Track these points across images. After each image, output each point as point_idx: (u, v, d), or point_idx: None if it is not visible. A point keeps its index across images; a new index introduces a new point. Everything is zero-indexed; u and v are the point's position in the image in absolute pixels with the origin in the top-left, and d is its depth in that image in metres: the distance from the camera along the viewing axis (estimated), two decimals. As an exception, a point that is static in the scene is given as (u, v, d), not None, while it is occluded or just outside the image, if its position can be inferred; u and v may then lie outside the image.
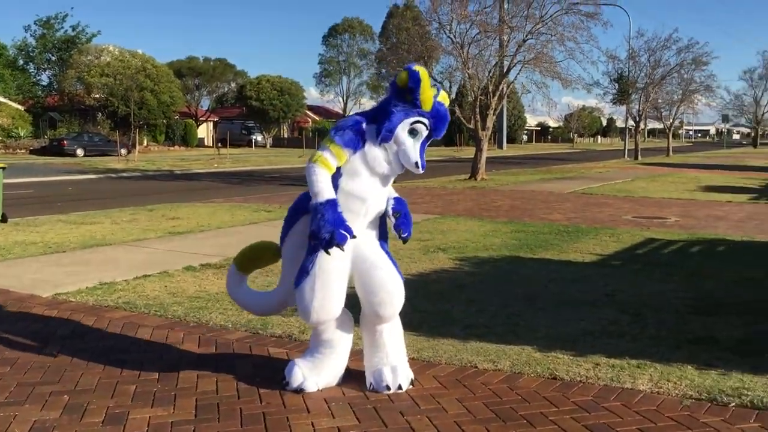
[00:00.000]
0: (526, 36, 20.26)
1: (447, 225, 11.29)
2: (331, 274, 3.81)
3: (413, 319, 5.49)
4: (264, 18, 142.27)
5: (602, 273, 7.46)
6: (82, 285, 6.63)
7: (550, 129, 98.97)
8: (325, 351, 4.02)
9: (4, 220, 11.26)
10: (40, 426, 3.55)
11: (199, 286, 6.68)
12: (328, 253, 3.68)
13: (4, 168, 11.57)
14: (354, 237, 3.71)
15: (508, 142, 64.34)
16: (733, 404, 3.78)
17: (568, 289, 6.64)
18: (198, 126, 57.49)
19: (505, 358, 4.54)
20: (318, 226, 3.62)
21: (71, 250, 8.61)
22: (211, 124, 62.51)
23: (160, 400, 3.89)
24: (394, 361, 4.02)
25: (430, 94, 3.71)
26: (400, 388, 3.97)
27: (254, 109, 56.16)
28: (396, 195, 4.06)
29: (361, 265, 3.91)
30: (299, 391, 3.95)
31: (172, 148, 49.52)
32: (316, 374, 4.00)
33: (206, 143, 59.13)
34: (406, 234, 3.97)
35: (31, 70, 58.13)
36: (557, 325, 5.35)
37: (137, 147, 39.50)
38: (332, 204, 3.66)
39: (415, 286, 6.71)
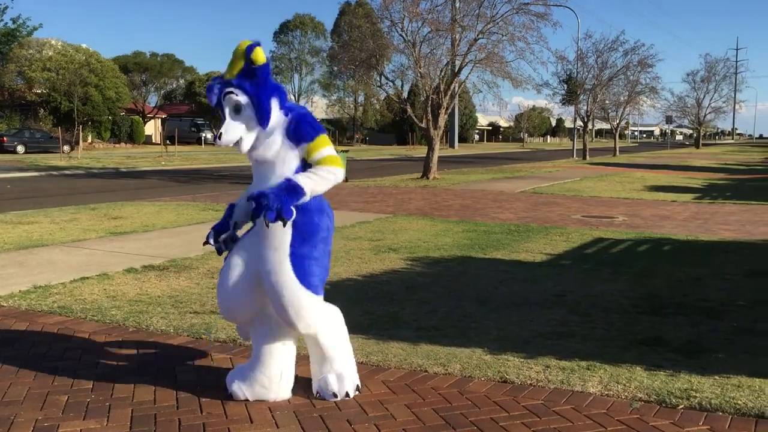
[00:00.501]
0: (477, 35, 20.33)
1: (399, 224, 11.21)
2: (228, 272, 3.91)
3: (362, 322, 5.38)
4: (213, 14, 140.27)
5: (552, 273, 7.46)
6: (15, 288, 6.31)
7: (501, 129, 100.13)
8: None
9: (-65, 219, 10.72)
10: (-40, 443, 3.31)
11: (140, 289, 6.43)
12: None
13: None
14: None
15: (459, 142, 64.77)
16: (682, 406, 3.76)
17: (519, 289, 6.60)
18: (145, 123, 56.26)
19: (456, 362, 4.45)
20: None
21: (5, 252, 8.22)
22: (159, 121, 61.23)
23: (93, 412, 3.67)
24: (339, 368, 3.87)
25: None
26: (347, 395, 3.83)
27: (203, 106, 55.14)
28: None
29: (262, 270, 3.91)
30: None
31: (118, 145, 48.34)
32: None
33: (154, 140, 57.90)
34: (259, 216, 3.69)
35: (-32, 64, 55.98)
36: (508, 327, 5.29)
37: (81, 144, 38.36)
38: None
39: (365, 287, 6.62)
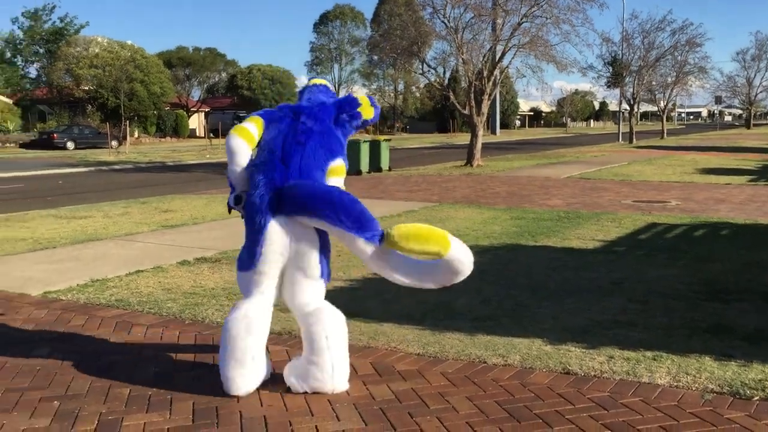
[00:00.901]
0: (521, 19, 20.01)
1: (445, 213, 11.11)
2: None
3: (416, 312, 5.33)
4: (254, 7, 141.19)
5: (606, 260, 7.29)
6: (73, 282, 6.42)
7: (543, 114, 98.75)
8: None
9: (-7, 215, 11.02)
10: (29, 436, 3.36)
11: (195, 281, 6.48)
12: None
13: (-9, 163, 11.32)
14: None
15: (501, 128, 64.11)
16: (757, 398, 3.61)
17: (572, 277, 6.47)
18: (189, 117, 57.01)
19: (515, 352, 4.36)
20: None
21: (62, 246, 8.39)
22: (202, 115, 62.01)
23: (156, 405, 3.70)
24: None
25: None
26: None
27: (246, 99, 55.75)
28: None
29: None
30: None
31: (163, 140, 49.12)
32: None
33: (197, 134, 58.67)
34: None
35: (19, 63, 57.46)
36: (565, 316, 5.18)
37: (128, 139, 39.09)
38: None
39: (416, 277, 6.55)
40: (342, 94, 66.69)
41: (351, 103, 4.11)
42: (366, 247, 3.67)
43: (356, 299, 5.76)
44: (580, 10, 19.84)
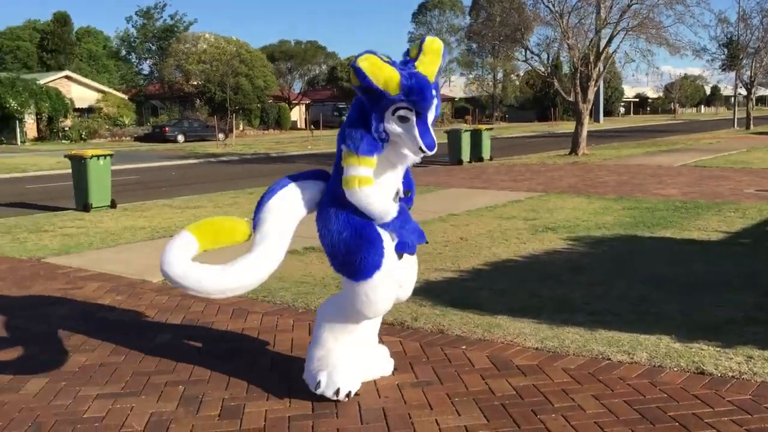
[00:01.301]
0: (631, 1, 19.13)
1: (552, 203, 10.79)
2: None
3: (531, 305, 5.16)
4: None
5: (732, 252, 6.85)
6: (190, 270, 6.61)
7: (649, 100, 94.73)
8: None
9: (113, 205, 11.59)
10: (157, 419, 3.45)
11: (305, 270, 6.55)
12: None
13: (111, 155, 11.90)
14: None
15: (604, 115, 61.99)
16: None
17: (697, 270, 6.09)
18: (291, 109, 58.30)
19: (641, 350, 4.13)
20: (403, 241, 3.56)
21: (178, 235, 8.69)
22: (303, 107, 63.31)
23: (276, 393, 3.73)
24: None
25: (387, 76, 3.21)
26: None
27: (345, 91, 56.30)
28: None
29: None
30: (347, 397, 3.57)
31: (266, 132, 50.44)
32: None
33: (299, 126, 59.95)
34: None
35: (133, 60, 60.53)
36: (693, 312, 4.87)
37: (234, 131, 40.41)
38: (401, 214, 3.58)
39: (527, 268, 6.38)
40: (441, 83, 66.47)
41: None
42: None
43: (467, 290, 5.65)
44: (695, -12, 18.75)
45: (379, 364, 3.88)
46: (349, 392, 3.54)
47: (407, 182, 3.68)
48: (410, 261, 3.72)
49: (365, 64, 3.21)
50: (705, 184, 12.54)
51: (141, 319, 5.16)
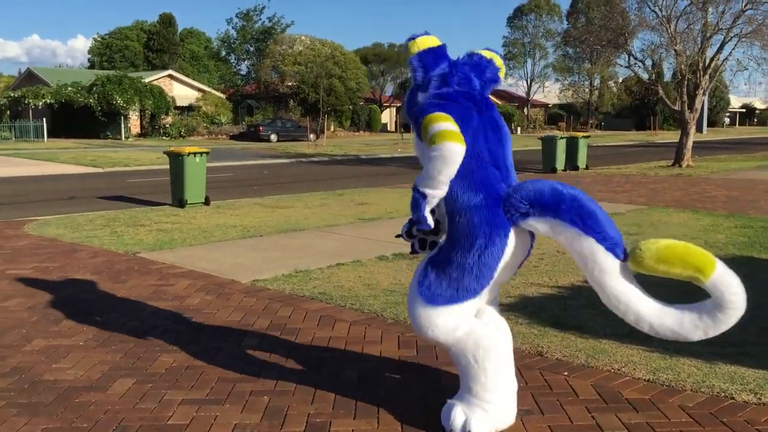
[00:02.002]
0: (745, 6, 18.00)
1: (656, 217, 10.17)
2: None
3: (637, 330, 4.72)
4: (447, 2, 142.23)
5: None
6: (279, 272, 6.54)
7: (757, 111, 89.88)
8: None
9: (207, 202, 11.78)
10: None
11: (394, 278, 6.33)
12: None
13: (207, 153, 12.10)
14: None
15: (708, 126, 59.18)
16: None
17: (828, 300, 5.49)
18: (381, 111, 58.58)
19: (770, 390, 3.68)
20: None
21: (268, 235, 8.68)
22: (393, 110, 63.49)
23: (363, 411, 3.52)
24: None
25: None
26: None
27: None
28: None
29: None
30: None
31: (357, 133, 50.87)
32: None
33: (389, 128, 60.14)
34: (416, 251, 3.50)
35: (232, 61, 62.41)
36: (828, 349, 4.34)
37: (325, 132, 40.88)
38: None
39: (633, 288, 5.92)
40: (534, 89, 65.02)
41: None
42: (606, 260, 2.99)
43: (567, 309, 5.28)
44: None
45: None
46: None
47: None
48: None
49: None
50: (827, 203, 11.56)
51: (228, 320, 5.07)
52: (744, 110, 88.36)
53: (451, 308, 3.11)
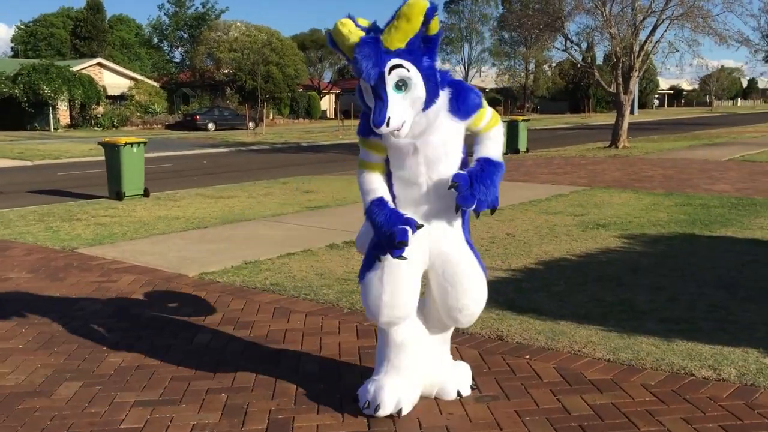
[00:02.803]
0: (677, -12, 18.45)
1: (599, 197, 10.34)
2: (401, 266, 3.14)
3: (595, 310, 4.78)
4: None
5: (804, 255, 6.38)
6: (227, 264, 6.34)
7: (684, 92, 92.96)
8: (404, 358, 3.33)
9: (146, 194, 11.40)
10: (200, 433, 3.16)
11: (347, 266, 6.23)
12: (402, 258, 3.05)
13: (145, 143, 11.69)
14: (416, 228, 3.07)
15: (639, 107, 60.79)
16: None
17: (770, 274, 5.65)
18: (321, 98, 58.07)
19: (727, 364, 3.73)
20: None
21: (213, 226, 8.44)
22: (333, 96, 63.05)
23: (327, 404, 3.41)
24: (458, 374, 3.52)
25: (343, 39, 2.94)
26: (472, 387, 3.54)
27: (376, 80, 55.83)
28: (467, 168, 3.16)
29: (439, 262, 3.23)
30: (397, 415, 3.23)
31: (296, 121, 50.29)
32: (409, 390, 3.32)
33: (328, 115, 59.70)
34: (469, 207, 3.03)
35: (165, 48, 60.76)
36: (776, 322, 4.45)
37: (264, 120, 40.26)
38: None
39: (584, 268, 5.99)
40: (472, 73, 65.56)
41: None
42: None
43: (523, 292, 5.28)
44: (745, -25, 17.99)
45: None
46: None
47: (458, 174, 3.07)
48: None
49: (335, 28, 2.96)
50: (758, 180, 11.98)
51: (178, 316, 4.88)
52: (672, 92, 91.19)
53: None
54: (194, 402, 3.47)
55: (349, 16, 3.00)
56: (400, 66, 2.84)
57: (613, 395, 3.43)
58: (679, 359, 3.84)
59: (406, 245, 3.00)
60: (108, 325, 4.69)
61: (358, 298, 5.15)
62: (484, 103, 3.17)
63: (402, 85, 2.86)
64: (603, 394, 3.45)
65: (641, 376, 3.66)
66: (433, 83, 2.94)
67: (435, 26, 2.88)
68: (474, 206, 3.00)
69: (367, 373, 3.79)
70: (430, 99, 2.94)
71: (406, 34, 2.83)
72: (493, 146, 3.21)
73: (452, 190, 3.01)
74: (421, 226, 3.09)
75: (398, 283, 3.14)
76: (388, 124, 2.85)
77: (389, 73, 2.84)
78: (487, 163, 3.11)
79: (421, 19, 2.80)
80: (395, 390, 3.25)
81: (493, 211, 3.17)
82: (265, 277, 5.88)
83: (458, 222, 3.24)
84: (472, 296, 3.20)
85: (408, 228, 3.02)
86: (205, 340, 4.39)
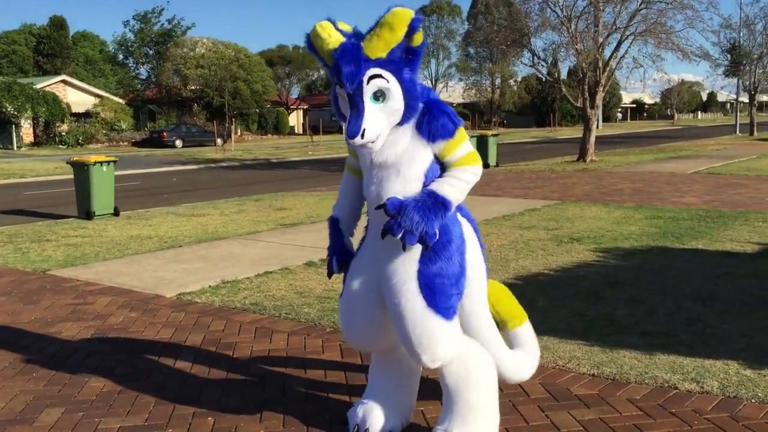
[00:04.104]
0: (639, 6, 18.87)
1: (571, 211, 10.47)
2: (355, 294, 3.10)
3: (576, 325, 4.83)
4: (350, 3, 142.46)
5: (774, 266, 6.52)
6: (205, 284, 6.28)
7: (646, 106, 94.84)
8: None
9: (116, 213, 11.24)
10: (189, 459, 3.11)
11: (326, 285, 6.20)
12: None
13: (115, 161, 11.55)
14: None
15: (603, 121, 61.80)
16: None
17: (744, 286, 5.77)
18: (289, 114, 57.98)
19: (710, 377, 3.80)
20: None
21: (187, 245, 8.35)
22: (301, 112, 63.00)
23: (316, 426, 3.38)
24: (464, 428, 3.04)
25: (321, 44, 2.80)
26: None
27: (345, 96, 55.98)
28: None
29: (386, 292, 3.00)
30: None
31: (265, 137, 50.11)
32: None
33: (296, 131, 59.60)
34: (395, 236, 2.79)
35: (130, 65, 60.18)
36: (754, 333, 4.54)
37: (232, 136, 40.04)
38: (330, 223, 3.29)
39: (562, 283, 6.05)
40: (439, 89, 66.11)
41: None
42: None
43: (504, 308, 5.30)
44: (704, -7, 18.50)
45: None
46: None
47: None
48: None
49: (314, 30, 2.83)
50: (724, 192, 12.25)
51: (158, 338, 4.81)
52: (635, 105, 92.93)
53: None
54: (181, 427, 3.42)
55: (329, 20, 2.85)
56: (379, 76, 2.72)
57: (601, 410, 3.46)
58: (662, 372, 3.89)
59: (331, 274, 3.19)
60: (87, 349, 4.60)
61: (339, 316, 5.14)
62: (459, 135, 2.88)
63: (380, 95, 2.74)
64: (590, 410, 3.47)
65: (626, 390, 3.70)
66: (413, 96, 2.80)
67: (419, 38, 2.76)
68: (399, 236, 2.77)
69: (354, 392, 3.78)
70: (408, 113, 2.82)
71: (388, 43, 2.70)
72: (451, 183, 2.86)
73: (382, 212, 2.83)
74: (332, 273, 3.22)
75: (351, 308, 3.14)
76: (362, 136, 2.72)
77: (368, 83, 2.72)
78: (429, 196, 2.80)
79: (405, 29, 2.69)
80: (384, 413, 3.23)
81: (426, 247, 2.86)
82: (245, 296, 5.83)
83: (412, 251, 2.89)
84: (406, 327, 2.89)
85: (334, 260, 3.17)
86: (188, 362, 4.33)
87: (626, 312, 5.12)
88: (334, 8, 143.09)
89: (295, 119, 61.53)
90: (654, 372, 3.91)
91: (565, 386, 3.78)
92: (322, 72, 63.50)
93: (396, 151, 2.85)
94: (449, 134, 2.86)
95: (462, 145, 2.89)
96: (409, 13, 2.70)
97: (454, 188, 2.85)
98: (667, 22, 18.78)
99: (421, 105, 2.87)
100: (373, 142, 2.78)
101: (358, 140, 2.73)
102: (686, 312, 5.07)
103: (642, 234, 8.39)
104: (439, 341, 2.87)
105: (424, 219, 2.75)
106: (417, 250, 2.88)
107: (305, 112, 62.91)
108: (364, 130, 2.71)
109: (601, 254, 7.27)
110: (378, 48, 2.71)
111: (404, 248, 2.84)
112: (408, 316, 2.87)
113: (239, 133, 47.43)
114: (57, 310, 5.55)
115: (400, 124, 2.84)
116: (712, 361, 4.03)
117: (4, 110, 35.83)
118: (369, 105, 2.74)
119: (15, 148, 36.84)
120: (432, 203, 2.78)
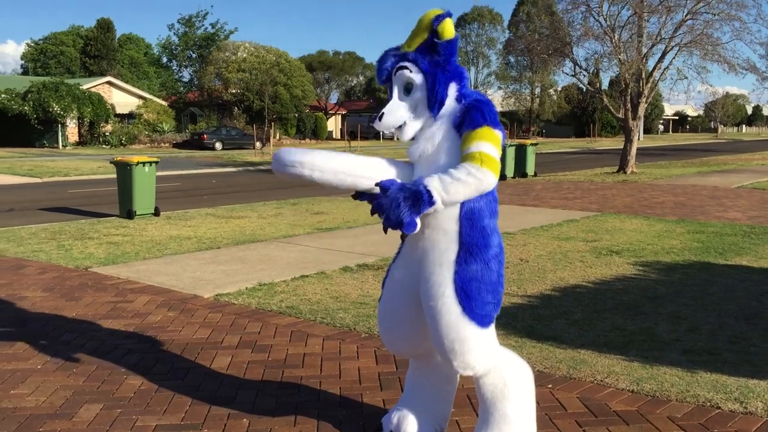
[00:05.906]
0: (685, 17, 18.56)
1: (610, 223, 10.31)
2: (393, 298, 3.15)
3: (615, 339, 4.74)
4: (392, 10, 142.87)
5: (822, 285, 6.33)
6: (242, 285, 6.33)
7: (689, 118, 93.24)
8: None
9: (157, 213, 11.41)
10: (224, 460, 3.12)
11: (361, 290, 6.21)
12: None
13: (156, 162, 11.73)
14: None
15: (644, 132, 60.91)
16: None
17: (790, 305, 5.61)
18: (327, 119, 58.32)
19: (754, 397, 3.69)
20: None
21: (225, 247, 8.43)
22: (339, 117, 63.33)
23: (349, 431, 3.38)
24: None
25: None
26: None
27: (382, 101, 56.17)
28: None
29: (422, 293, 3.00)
30: None
31: (303, 141, 50.45)
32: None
33: (334, 136, 59.92)
34: (373, 214, 2.83)
35: (173, 68, 61.18)
36: (800, 354, 4.41)
37: (271, 140, 40.40)
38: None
39: (600, 296, 5.96)
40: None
41: None
42: None
43: (541, 319, 5.25)
44: (754, 5, 18.13)
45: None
46: None
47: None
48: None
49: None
50: (769, 208, 11.95)
51: (195, 338, 4.86)
52: (677, 117, 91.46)
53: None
54: (216, 427, 3.44)
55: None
56: (404, 67, 2.95)
57: (640, 428, 3.39)
58: (705, 391, 3.80)
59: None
60: (126, 347, 4.67)
61: (374, 323, 5.14)
62: (484, 132, 2.80)
63: (410, 88, 2.94)
64: (629, 426, 3.41)
65: (667, 408, 3.62)
66: (439, 91, 2.89)
67: (445, 32, 2.86)
68: (381, 216, 2.77)
69: (388, 399, 3.76)
70: (433, 105, 2.91)
71: (416, 38, 2.94)
72: (442, 178, 2.78)
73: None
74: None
75: (390, 312, 3.14)
76: (380, 119, 2.96)
77: (395, 74, 2.97)
78: (415, 185, 2.77)
79: (430, 25, 2.89)
80: (418, 421, 3.21)
81: (403, 237, 3.00)
82: (281, 299, 5.86)
83: (446, 245, 2.88)
84: (439, 331, 2.88)
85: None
86: (224, 363, 4.36)
87: (667, 327, 5.01)
88: (376, 15, 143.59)
89: (333, 124, 61.88)
90: (696, 390, 3.82)
91: (604, 401, 3.71)
92: (360, 78, 63.89)
93: (432, 144, 2.94)
94: (473, 126, 2.83)
95: (479, 142, 2.79)
96: (436, 11, 2.90)
97: (443, 183, 2.76)
98: (713, 34, 18.47)
99: (462, 102, 2.94)
100: (398, 129, 2.98)
101: (376, 123, 2.99)
102: (729, 330, 4.95)
103: (684, 248, 8.22)
104: (471, 349, 2.85)
105: (402, 207, 2.73)
106: (453, 251, 2.87)
107: (344, 117, 63.25)
108: (382, 114, 2.95)
109: (641, 268, 7.15)
110: (408, 44, 2.97)
111: (384, 230, 2.81)
112: (442, 321, 2.86)
113: (278, 137, 47.85)
114: (98, 308, 5.65)
115: (435, 118, 2.93)
116: (756, 381, 3.92)
117: (50, 110, 36.71)
118: (396, 96, 2.98)
119: (60, 147, 37.73)
120: (412, 192, 2.74)
